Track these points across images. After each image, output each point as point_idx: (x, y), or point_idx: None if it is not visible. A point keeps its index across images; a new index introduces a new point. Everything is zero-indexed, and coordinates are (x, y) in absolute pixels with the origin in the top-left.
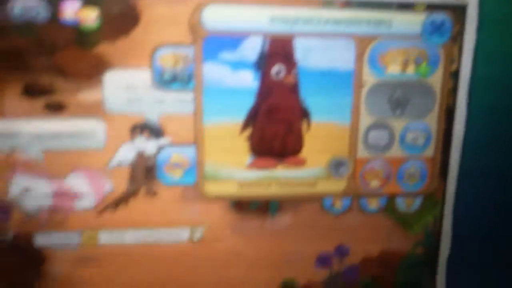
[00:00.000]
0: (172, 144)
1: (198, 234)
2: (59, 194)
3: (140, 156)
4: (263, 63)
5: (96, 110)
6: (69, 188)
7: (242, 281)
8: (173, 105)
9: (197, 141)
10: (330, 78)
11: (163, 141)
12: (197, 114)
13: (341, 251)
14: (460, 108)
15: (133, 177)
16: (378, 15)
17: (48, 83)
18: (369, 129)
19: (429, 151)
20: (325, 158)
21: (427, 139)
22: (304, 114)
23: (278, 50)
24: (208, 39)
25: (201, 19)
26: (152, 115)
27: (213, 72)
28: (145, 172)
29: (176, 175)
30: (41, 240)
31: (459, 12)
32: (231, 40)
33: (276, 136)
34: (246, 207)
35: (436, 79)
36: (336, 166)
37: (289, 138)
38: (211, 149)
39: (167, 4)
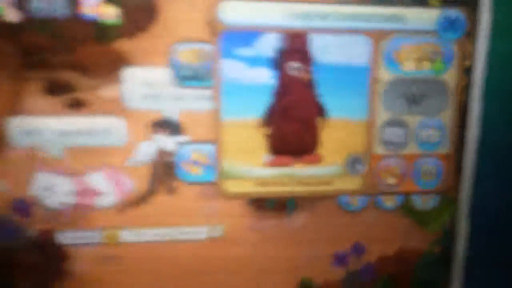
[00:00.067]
0: (191, 142)
1: (216, 232)
2: (81, 192)
3: (160, 153)
4: (279, 60)
5: (115, 107)
6: (90, 186)
7: (260, 279)
8: (191, 101)
9: (216, 138)
10: (346, 75)
11: (182, 138)
12: (216, 111)
13: (357, 250)
14: (474, 105)
15: (153, 175)
16: (393, 11)
17: (68, 80)
18: (385, 125)
19: (444, 148)
20: (341, 155)
21: (442, 136)
22: (320, 111)
23: (295, 47)
24: (226, 35)
25: (219, 15)
26: (171, 112)
27: (231, 68)
28: (164, 170)
29: (195, 173)
30: (63, 237)
31: (473, 7)
32: (248, 36)
33: (293, 133)
34: (264, 205)
35: (450, 76)
36: (352, 163)
37: (305, 136)
38: (229, 146)
39: (185, 1)
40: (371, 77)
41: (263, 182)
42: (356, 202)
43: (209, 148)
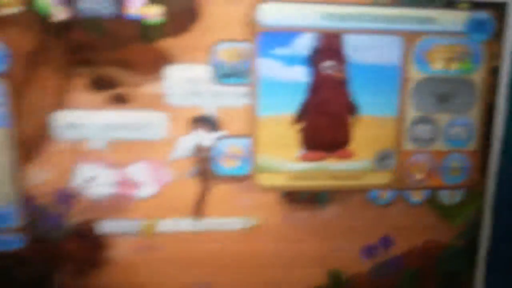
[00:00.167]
0: (229, 136)
1: (250, 223)
2: (121, 183)
3: (198, 147)
4: (314, 59)
5: (157, 103)
6: (131, 177)
7: (291, 269)
8: (230, 98)
9: (252, 133)
10: (378, 74)
11: (220, 133)
12: (252, 107)
13: (385, 242)
14: (500, 104)
15: (196, 167)
16: (424, 13)
17: (113, 76)
18: (414, 123)
19: (471, 145)
20: (371, 151)
21: (470, 134)
22: (352, 108)
23: (329, 47)
24: (263, 35)
25: (257, 16)
26: (210, 108)
27: (268, 67)
28: (202, 163)
29: (231, 166)
30: (103, 227)
31: (500, 10)
32: (285, 36)
33: (326, 129)
34: (296, 198)
35: (478, 76)
36: (382, 158)
37: (338, 132)
38: (264, 141)
39: (225, 2)
40: (402, 76)
41: (296, 175)
42: (385, 196)
43: (245, 142)
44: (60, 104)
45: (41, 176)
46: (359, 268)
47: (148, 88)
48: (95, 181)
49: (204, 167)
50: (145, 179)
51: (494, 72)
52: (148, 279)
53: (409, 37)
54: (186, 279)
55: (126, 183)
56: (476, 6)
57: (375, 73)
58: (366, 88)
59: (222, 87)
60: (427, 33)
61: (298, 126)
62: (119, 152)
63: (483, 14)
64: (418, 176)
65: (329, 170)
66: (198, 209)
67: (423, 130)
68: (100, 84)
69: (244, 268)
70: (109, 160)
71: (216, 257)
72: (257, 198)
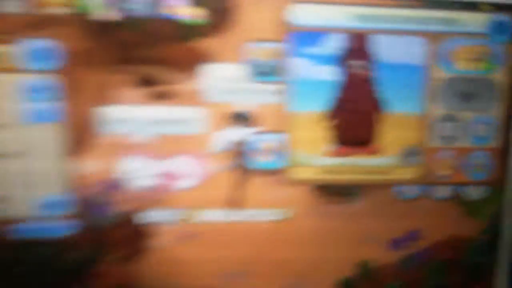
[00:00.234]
0: (263, 132)
1: (284, 215)
2: (164, 175)
3: (235, 142)
4: (343, 58)
5: (197, 99)
6: (173, 169)
7: (321, 260)
8: (264, 95)
9: (286, 129)
10: (404, 72)
11: (255, 129)
12: (286, 104)
13: (412, 236)
14: None
15: (233, 161)
16: (447, 15)
17: (156, 74)
18: (439, 120)
19: (494, 143)
20: (398, 147)
21: (492, 131)
22: (380, 105)
23: (357, 46)
24: (296, 35)
25: (290, 17)
26: (246, 105)
27: (300, 65)
28: (238, 157)
29: (265, 160)
30: (147, 216)
31: None
32: (316, 36)
33: (355, 126)
34: (327, 191)
35: (499, 75)
36: (408, 155)
37: (366, 128)
38: (297, 136)
39: (261, 4)
40: (426, 75)
41: (327, 170)
42: (411, 191)
43: (278, 138)
44: (107, 99)
45: (91, 167)
46: (387, 259)
47: (188, 85)
48: (139, 172)
49: (241, 161)
50: (185, 171)
51: None
52: (187, 266)
53: (434, 38)
54: (222, 267)
55: (168, 175)
56: (498, 8)
57: (401, 72)
58: (393, 86)
59: (257, 85)
60: (450, 34)
61: (329, 123)
62: (161, 145)
63: (504, 17)
64: (443, 172)
65: (358, 165)
66: (235, 201)
67: (448, 128)
68: (144, 81)
69: (276, 257)
70: (152, 153)
71: (251, 246)
72: (290, 191)
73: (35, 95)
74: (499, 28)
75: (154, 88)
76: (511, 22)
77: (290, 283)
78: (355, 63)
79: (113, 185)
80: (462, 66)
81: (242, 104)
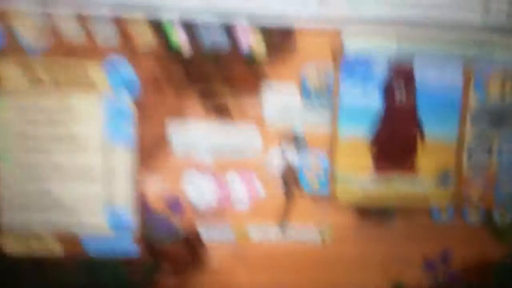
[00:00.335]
0: (312, 154)
1: (327, 234)
2: (222, 194)
3: (286, 163)
4: (388, 88)
5: (256, 120)
6: (229, 189)
7: (358, 276)
8: (315, 119)
9: (332, 152)
10: (442, 102)
11: (305, 150)
12: (334, 129)
13: (444, 257)
14: None
15: (283, 181)
16: (483, 48)
17: (222, 97)
18: (472, 145)
19: None
20: (434, 171)
21: None
22: (420, 132)
23: (401, 77)
24: (347, 64)
25: (342, 47)
26: (298, 127)
27: (348, 91)
28: (289, 177)
29: (312, 181)
30: (204, 233)
31: None
32: (364, 66)
33: (396, 150)
34: (368, 212)
35: None
36: (443, 179)
37: (406, 153)
38: (342, 159)
39: (316, 36)
40: (462, 104)
41: (368, 193)
42: (445, 214)
43: (325, 160)
44: (177, 122)
45: (156, 185)
46: (420, 279)
47: (249, 108)
48: (200, 191)
49: (291, 181)
50: (241, 190)
51: None
52: (238, 279)
53: (469, 69)
54: (270, 280)
55: (225, 193)
56: None
57: (440, 101)
58: (432, 114)
59: (309, 109)
60: (485, 65)
61: (373, 147)
62: (221, 164)
63: None
64: (474, 197)
65: (397, 188)
66: (284, 219)
67: (480, 153)
68: (211, 103)
69: (319, 272)
70: (212, 171)
71: (296, 261)
72: (333, 212)
73: (112, 116)
74: None
75: (220, 111)
76: None
77: None
78: (399, 92)
79: (176, 202)
80: (495, 94)
81: (295, 126)
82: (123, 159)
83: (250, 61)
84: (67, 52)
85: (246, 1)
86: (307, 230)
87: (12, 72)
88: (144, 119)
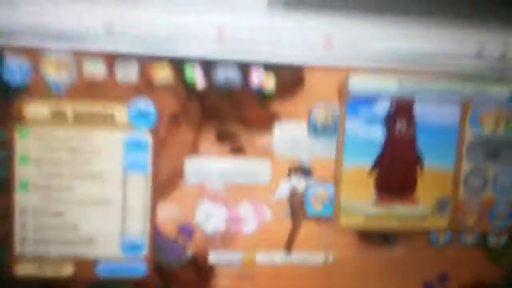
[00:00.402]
0: (318, 182)
1: (330, 258)
2: (231, 220)
3: (294, 191)
4: (390, 120)
5: (266, 153)
6: (238, 215)
7: None
8: (321, 150)
9: (336, 180)
10: (440, 133)
11: (311, 179)
12: (338, 159)
13: (442, 279)
14: None
15: (290, 210)
16: (478, 86)
17: (234, 131)
18: (468, 175)
19: None
20: (432, 198)
21: None
22: (419, 161)
23: (402, 111)
24: (351, 100)
25: (347, 85)
26: (305, 158)
27: (353, 125)
28: (295, 205)
29: (317, 208)
30: (213, 257)
31: None
32: (368, 101)
33: (396, 178)
34: (369, 237)
35: None
36: (441, 205)
37: (406, 181)
38: (346, 187)
39: (324, 75)
40: (459, 136)
41: (370, 218)
42: (443, 238)
43: (330, 188)
44: (192, 152)
45: (169, 213)
46: None
47: (260, 141)
48: (211, 217)
49: (297, 208)
50: (249, 216)
51: None
52: None
53: (465, 104)
54: None
55: (234, 220)
56: None
57: (438, 133)
58: (430, 145)
59: (316, 141)
60: (480, 101)
61: (374, 175)
62: (232, 192)
63: None
64: (470, 221)
65: (397, 213)
66: (290, 245)
67: (475, 182)
68: (224, 137)
69: None
70: (224, 200)
71: (301, 282)
72: (336, 236)
73: (131, 149)
74: None
75: (232, 144)
76: None
77: None
78: (399, 125)
79: (188, 229)
80: (489, 128)
81: (302, 157)
82: (139, 186)
83: (262, 99)
84: (89, 88)
85: (261, 47)
86: (312, 253)
87: (37, 108)
88: (161, 151)
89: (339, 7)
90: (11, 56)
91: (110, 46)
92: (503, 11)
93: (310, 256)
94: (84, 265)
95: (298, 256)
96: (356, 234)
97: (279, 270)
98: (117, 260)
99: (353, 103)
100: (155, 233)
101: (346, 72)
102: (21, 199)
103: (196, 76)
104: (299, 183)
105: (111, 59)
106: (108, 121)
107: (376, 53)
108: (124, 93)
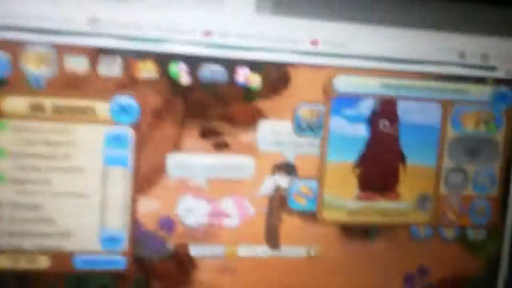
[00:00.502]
0: (301, 178)
1: (313, 251)
2: (214, 214)
3: (277, 187)
4: (373, 118)
5: (250, 149)
6: (221, 209)
7: None
8: (305, 148)
9: (320, 176)
10: (422, 132)
11: (295, 176)
12: (322, 155)
13: (422, 271)
14: None
15: (270, 206)
16: (459, 86)
17: (218, 128)
18: (449, 172)
19: (494, 192)
20: (414, 194)
21: (493, 182)
22: (401, 158)
23: (385, 109)
24: (336, 99)
25: (332, 84)
26: (289, 155)
27: (337, 124)
28: (278, 201)
29: (301, 203)
30: (194, 250)
31: None
32: (352, 100)
33: (379, 175)
34: (351, 231)
35: (500, 136)
36: (422, 200)
37: (388, 177)
38: (329, 183)
39: (309, 73)
40: (440, 134)
41: (353, 212)
42: (424, 232)
43: (314, 184)
44: (175, 148)
45: (150, 207)
46: None
47: (244, 138)
48: (193, 211)
49: (280, 203)
50: (232, 212)
51: None
52: None
53: (447, 104)
54: None
55: (217, 213)
56: (499, 82)
57: (420, 131)
58: (413, 143)
59: (300, 139)
60: (461, 101)
61: (357, 172)
62: (215, 187)
63: (505, 88)
64: (451, 216)
65: (379, 208)
66: (272, 238)
67: (456, 178)
68: (208, 133)
69: (306, 286)
70: (206, 195)
71: (284, 279)
72: (319, 230)
73: (111, 144)
74: (500, 98)
75: (215, 140)
76: (509, 92)
77: None
78: (383, 123)
79: (168, 222)
80: (470, 128)
81: (286, 154)
82: (120, 179)
83: (247, 96)
84: (70, 83)
85: (247, 44)
86: (295, 247)
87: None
88: (143, 146)
89: (325, 12)
90: None
91: (93, 41)
92: (484, 15)
93: (293, 249)
94: (61, 258)
95: (281, 250)
96: (338, 228)
97: (261, 264)
98: (96, 253)
99: (338, 101)
100: (135, 227)
101: (331, 71)
102: None
103: (181, 72)
104: (283, 179)
105: (94, 53)
106: (89, 115)
107: (360, 54)
108: (107, 88)
